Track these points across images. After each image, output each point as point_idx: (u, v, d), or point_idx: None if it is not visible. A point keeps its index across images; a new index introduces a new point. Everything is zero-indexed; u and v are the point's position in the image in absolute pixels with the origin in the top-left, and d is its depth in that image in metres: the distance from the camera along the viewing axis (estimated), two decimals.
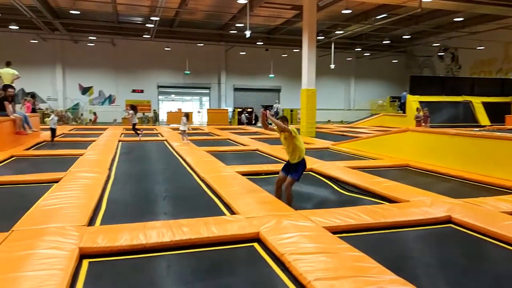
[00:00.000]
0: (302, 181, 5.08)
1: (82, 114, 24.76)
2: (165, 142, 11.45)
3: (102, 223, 3.85)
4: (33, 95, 19.09)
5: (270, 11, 20.53)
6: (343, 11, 17.63)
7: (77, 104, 25.46)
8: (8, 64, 10.49)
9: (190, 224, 3.54)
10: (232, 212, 4.24)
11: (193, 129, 15.68)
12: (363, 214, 4.00)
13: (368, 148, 9.34)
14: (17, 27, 20.83)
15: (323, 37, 24.05)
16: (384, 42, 27.29)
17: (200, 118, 26.92)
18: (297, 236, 3.31)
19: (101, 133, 13.16)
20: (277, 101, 26.12)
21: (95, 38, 24.22)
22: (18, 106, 10.79)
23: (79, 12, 20.13)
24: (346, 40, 26.68)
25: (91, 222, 3.81)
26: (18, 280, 2.48)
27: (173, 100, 30.36)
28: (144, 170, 7.14)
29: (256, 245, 3.31)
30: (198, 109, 30.10)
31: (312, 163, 7.15)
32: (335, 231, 3.56)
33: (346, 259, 2.87)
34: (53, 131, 10.34)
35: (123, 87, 26.27)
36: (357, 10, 19.98)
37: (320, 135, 14.18)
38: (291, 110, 24.75)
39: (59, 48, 24.60)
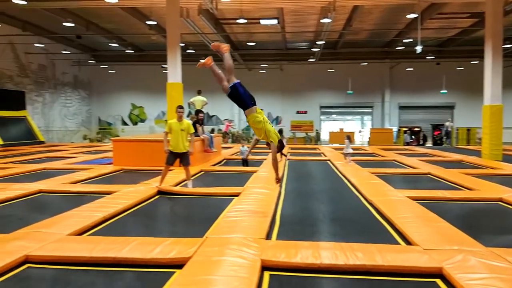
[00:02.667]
0: (488, 211, 4.42)
1: (254, 134, 27.23)
2: (328, 161, 11.59)
3: (278, 238, 4.12)
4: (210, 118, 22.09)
5: (442, 22, 18.86)
6: None
7: (248, 126, 28.15)
8: (199, 93, 12.40)
9: (363, 249, 3.47)
10: (406, 241, 3.97)
11: (354, 149, 15.40)
12: None
13: None
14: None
15: (511, 45, 20.67)
16: None
17: (361, 138, 26.33)
18: (490, 278, 2.87)
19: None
20: (449, 119, 23.52)
21: (266, 65, 26.53)
22: (205, 128, 12.59)
23: (254, 43, 22.41)
24: None
25: (268, 235, 4.12)
26: (211, 283, 2.85)
27: (334, 120, 30.59)
28: (310, 188, 7.35)
29: (439, 281, 3.01)
30: (359, 128, 29.50)
31: (501, 192, 6.14)
32: None
33: None
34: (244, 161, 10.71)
35: (288, 108, 27.88)
36: None
37: (508, 158, 12.10)
38: (468, 129, 21.90)
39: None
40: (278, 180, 5.28)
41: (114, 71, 27.21)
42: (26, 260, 3.36)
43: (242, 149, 10.67)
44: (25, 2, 12.93)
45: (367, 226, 4.77)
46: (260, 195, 5.99)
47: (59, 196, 6.47)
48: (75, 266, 3.30)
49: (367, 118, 29.34)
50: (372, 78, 26.90)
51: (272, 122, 28.31)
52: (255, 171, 8.84)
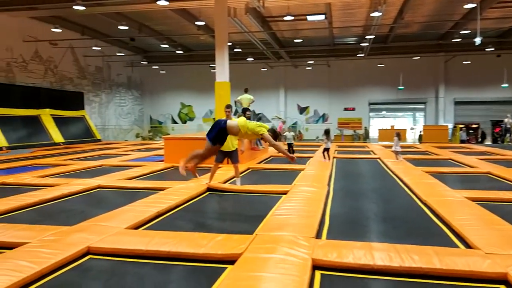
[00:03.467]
0: None
1: (299, 132, 27.06)
2: (378, 160, 11.24)
3: (328, 237, 4.06)
4: (259, 118, 22.22)
5: (503, 12, 17.59)
6: None
7: (295, 123, 28.01)
8: (246, 91, 12.51)
9: (418, 251, 3.33)
10: (466, 244, 3.75)
11: (404, 147, 14.82)
12: None
13: None
14: (252, 59, 24.97)
15: None
16: None
17: (413, 136, 25.26)
18: None
19: (317, 150, 13.98)
20: (508, 114, 21.92)
21: (312, 61, 26.24)
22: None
23: (301, 40, 22.25)
24: None
25: (318, 235, 4.07)
26: (263, 280, 2.87)
27: (384, 117, 29.63)
28: (360, 187, 7.17)
29: None
30: (411, 125, 28.34)
31: None
32: None
33: None
34: (289, 146, 11.59)
35: (335, 105, 27.39)
36: None
37: None
38: None
39: (282, 73, 27.81)
40: (293, 158, 5.39)
41: (164, 71, 28.18)
42: (88, 252, 3.56)
43: (288, 135, 11.14)
44: (83, 8, 13.72)
45: (422, 227, 4.57)
46: (308, 194, 5.94)
47: (115, 191, 6.81)
48: (132, 259, 3.46)
49: (419, 115, 28.14)
50: (425, 72, 25.73)
51: (318, 120, 28.00)
52: (302, 169, 8.78)
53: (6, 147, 15.03)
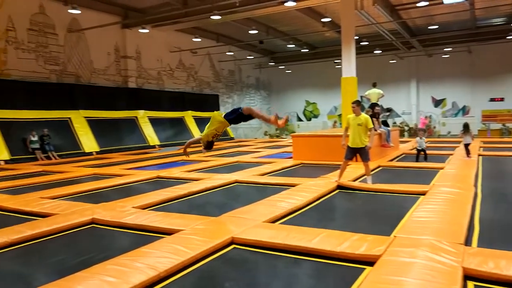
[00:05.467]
0: None
1: (434, 127, 24.73)
2: None
3: (479, 245, 3.64)
4: (389, 110, 20.94)
5: None
6: None
7: (429, 117, 25.68)
8: (374, 85, 11.99)
9: None
10: None
11: None
12: None
13: None
14: (380, 51, 23.78)
15: None
16: None
17: None
18: None
19: (456, 146, 12.58)
20: None
21: (450, 48, 23.67)
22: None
23: (436, 26, 20.31)
24: None
25: (467, 241, 3.68)
26: (406, 285, 2.71)
27: None
28: None
29: None
30: None
31: None
32: None
33: None
34: (421, 151, 9.81)
35: (479, 96, 24.20)
36: None
37: None
38: None
39: (414, 64, 25.78)
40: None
41: (290, 71, 28.86)
42: (232, 241, 3.90)
43: (419, 140, 9.87)
44: (219, 17, 14.96)
45: None
46: (451, 195, 5.40)
47: (250, 186, 7.28)
48: (271, 251, 3.66)
49: None
50: None
51: (457, 113, 25.21)
52: (441, 168, 8.03)
53: (158, 145, 17.40)
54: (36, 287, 2.92)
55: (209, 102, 22.48)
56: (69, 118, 14.83)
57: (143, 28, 16.81)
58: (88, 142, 14.85)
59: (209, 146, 5.32)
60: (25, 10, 14.19)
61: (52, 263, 3.65)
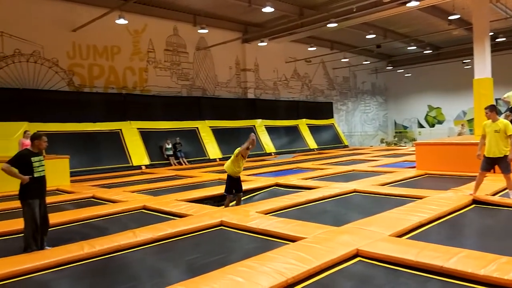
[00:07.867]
0: None
1: None
2: None
3: None
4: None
5: None
6: None
7: None
8: None
9: None
10: None
11: None
12: None
13: None
14: None
15: None
16: None
17: None
18: None
19: None
20: None
21: None
22: None
23: None
24: None
25: None
26: None
27: None
28: None
29: None
30: None
31: None
32: None
33: None
34: None
35: None
36: None
37: None
38: None
39: None
40: None
41: (409, 74, 27.07)
42: (357, 254, 3.80)
43: None
44: (336, 25, 14.84)
45: None
46: None
47: (370, 196, 7.00)
48: (401, 268, 3.46)
49: None
50: None
51: None
52: None
53: (274, 152, 17.96)
54: (176, 282, 3.24)
55: (323, 110, 22.44)
56: (197, 127, 16.30)
57: (262, 41, 17.62)
58: (212, 149, 16.10)
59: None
60: (162, 33, 16.13)
61: (186, 261, 4.03)
